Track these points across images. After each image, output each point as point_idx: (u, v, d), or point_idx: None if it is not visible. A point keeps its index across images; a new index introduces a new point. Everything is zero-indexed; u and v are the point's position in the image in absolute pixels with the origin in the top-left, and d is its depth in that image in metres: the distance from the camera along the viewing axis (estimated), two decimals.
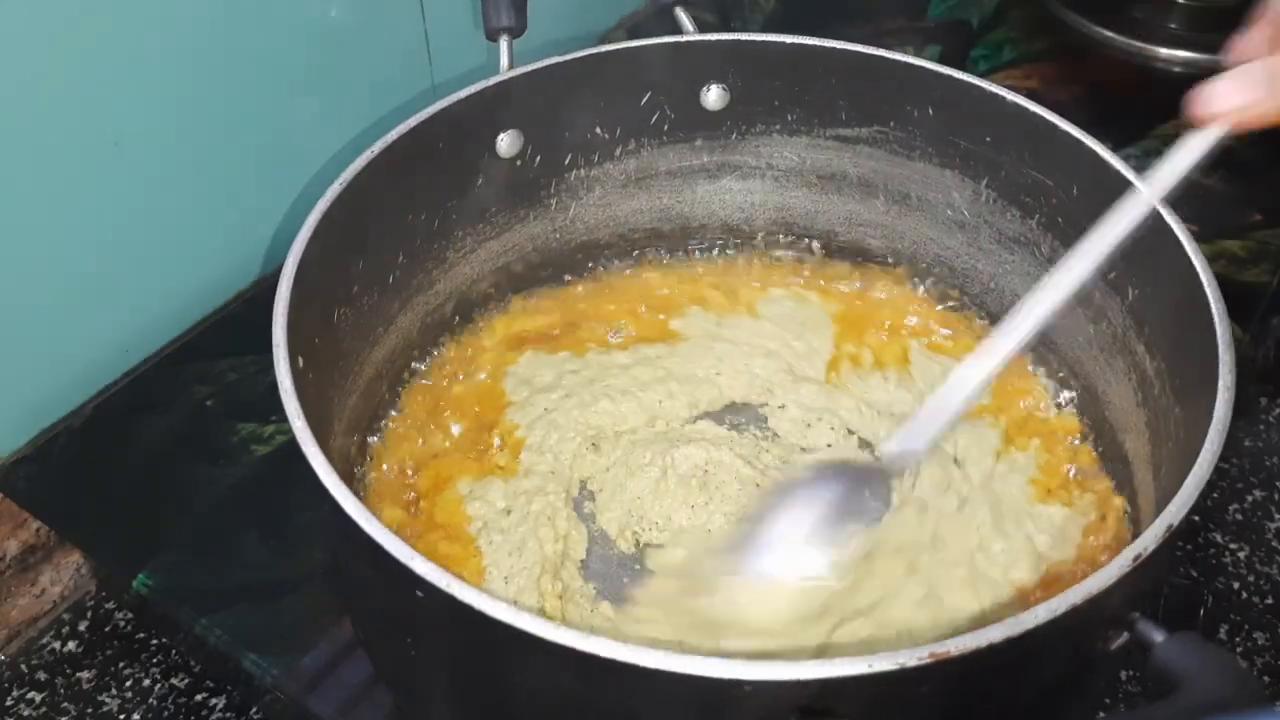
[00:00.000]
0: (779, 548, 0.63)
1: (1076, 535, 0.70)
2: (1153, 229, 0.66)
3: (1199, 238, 0.64)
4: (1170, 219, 0.65)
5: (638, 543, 0.73)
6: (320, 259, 0.65)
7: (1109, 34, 1.09)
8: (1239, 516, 0.79)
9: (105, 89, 0.74)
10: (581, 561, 0.71)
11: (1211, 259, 0.64)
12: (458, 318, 0.83)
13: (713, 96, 0.84)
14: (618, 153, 0.85)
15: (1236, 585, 0.75)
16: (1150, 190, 0.57)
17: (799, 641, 0.63)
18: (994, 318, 0.83)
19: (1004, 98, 0.75)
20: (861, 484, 0.64)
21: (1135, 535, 0.68)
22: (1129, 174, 0.68)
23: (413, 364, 0.80)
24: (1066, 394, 0.79)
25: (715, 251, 0.91)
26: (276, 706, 0.68)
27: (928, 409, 0.60)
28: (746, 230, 0.91)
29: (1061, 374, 0.79)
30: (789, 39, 0.81)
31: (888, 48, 0.79)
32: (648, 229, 0.90)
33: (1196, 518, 0.79)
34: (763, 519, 0.64)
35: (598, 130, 0.83)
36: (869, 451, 0.77)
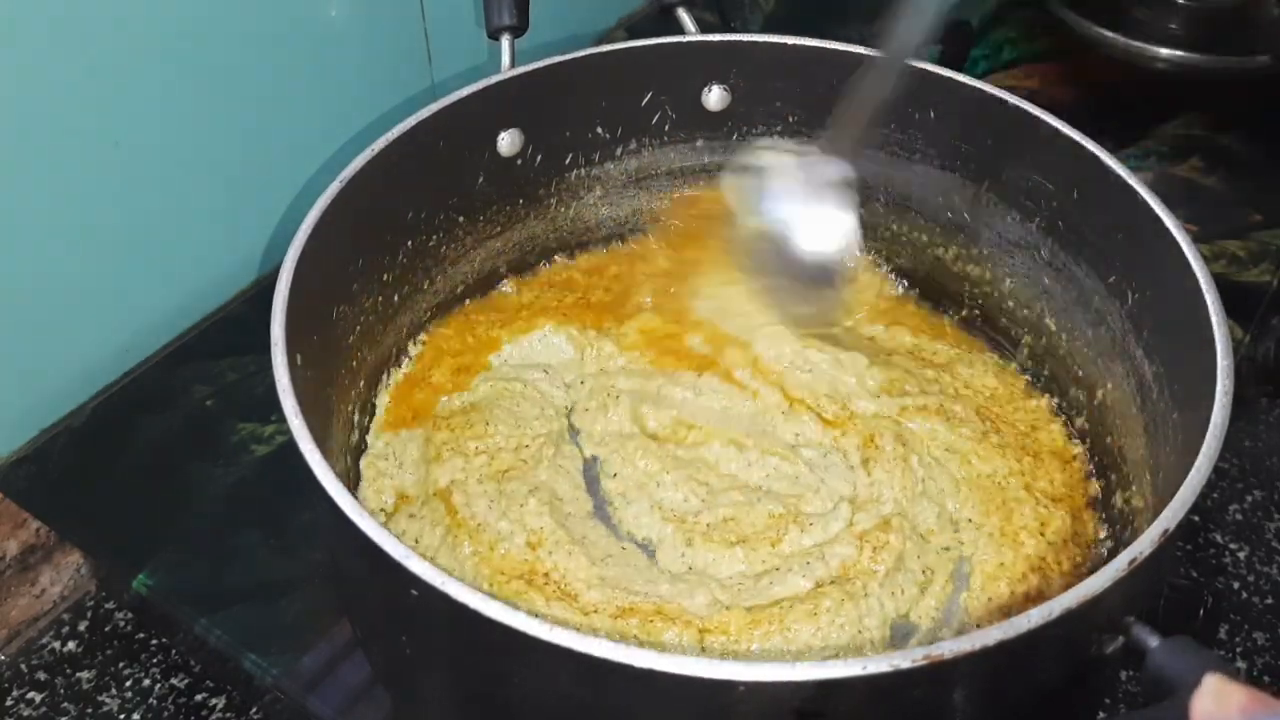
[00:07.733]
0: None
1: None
2: (1153, 233, 0.66)
3: (1199, 238, 0.64)
4: (1170, 222, 0.65)
5: None
6: (319, 256, 0.66)
7: (1109, 34, 1.08)
8: (1239, 517, 0.79)
9: (105, 89, 0.74)
10: None
11: (1211, 259, 0.63)
12: (458, 315, 0.83)
13: (714, 97, 0.84)
14: (618, 152, 0.85)
15: (1236, 585, 0.75)
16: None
17: None
18: (993, 323, 0.84)
19: (1006, 101, 0.75)
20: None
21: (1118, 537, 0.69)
22: (1129, 178, 0.68)
23: (413, 363, 0.80)
24: (1064, 399, 0.79)
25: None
26: (276, 706, 0.69)
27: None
28: None
29: (1061, 378, 0.79)
30: (789, 39, 0.81)
31: None
32: (647, 229, 0.90)
33: (1196, 518, 0.79)
34: None
35: (599, 130, 0.83)
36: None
